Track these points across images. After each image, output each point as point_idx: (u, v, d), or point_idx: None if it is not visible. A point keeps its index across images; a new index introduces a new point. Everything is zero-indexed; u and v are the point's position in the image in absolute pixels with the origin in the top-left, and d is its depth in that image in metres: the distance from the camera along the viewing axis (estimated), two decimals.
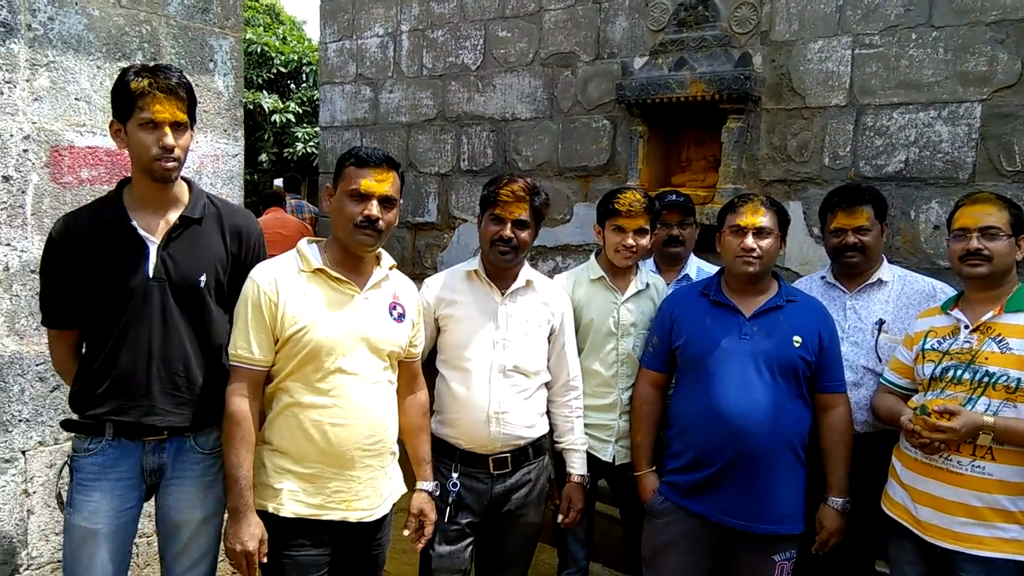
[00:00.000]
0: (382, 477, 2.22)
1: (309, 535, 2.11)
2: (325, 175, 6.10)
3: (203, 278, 2.10)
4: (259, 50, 10.99)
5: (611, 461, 2.77)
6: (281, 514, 2.08)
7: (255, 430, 2.09)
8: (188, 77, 2.08)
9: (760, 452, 2.36)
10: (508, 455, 2.49)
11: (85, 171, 2.78)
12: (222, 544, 2.21)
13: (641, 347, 2.74)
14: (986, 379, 2.19)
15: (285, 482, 2.10)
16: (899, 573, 2.40)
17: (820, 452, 2.50)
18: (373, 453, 2.16)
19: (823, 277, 2.86)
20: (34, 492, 2.73)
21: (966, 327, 2.30)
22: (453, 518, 2.46)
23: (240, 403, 2.06)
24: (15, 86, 2.61)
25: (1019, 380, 2.15)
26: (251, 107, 10.28)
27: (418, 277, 2.53)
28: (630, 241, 2.68)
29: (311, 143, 10.64)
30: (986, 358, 2.21)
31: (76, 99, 2.75)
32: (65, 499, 2.12)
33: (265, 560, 2.07)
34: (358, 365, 2.12)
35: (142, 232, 2.05)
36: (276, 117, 10.68)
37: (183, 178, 2.15)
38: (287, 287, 2.08)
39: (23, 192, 2.64)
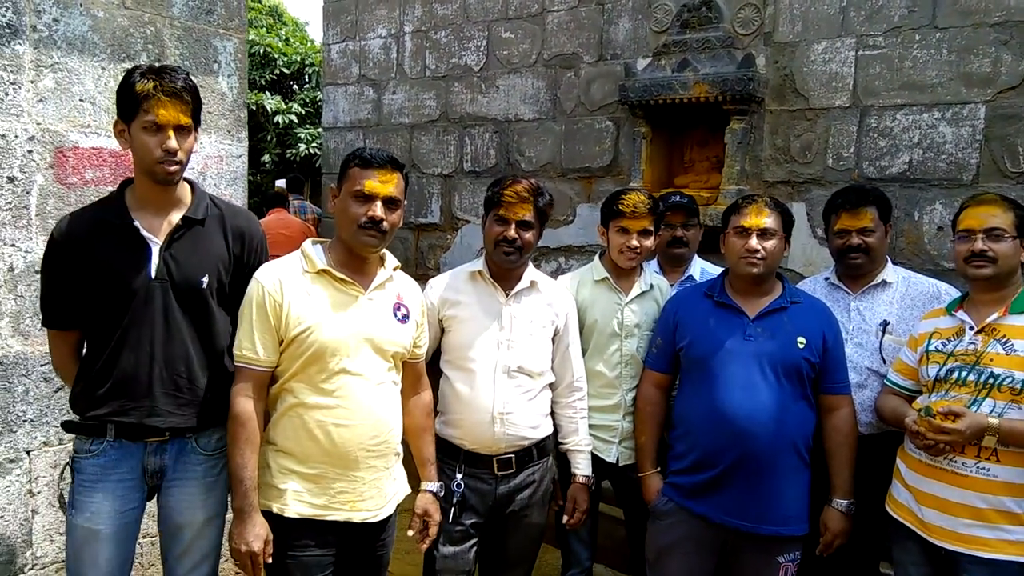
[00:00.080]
0: (386, 478, 2.22)
1: (313, 535, 2.11)
2: (328, 176, 6.11)
3: (205, 279, 2.10)
4: (262, 51, 10.99)
5: (615, 462, 2.77)
6: (285, 514, 2.08)
7: (260, 431, 2.09)
8: (192, 79, 2.08)
9: (764, 453, 2.35)
10: (512, 456, 2.49)
11: (89, 172, 2.79)
12: (224, 545, 2.21)
13: (645, 348, 2.74)
14: (991, 380, 2.19)
15: (289, 482, 2.10)
16: (903, 575, 2.40)
17: (824, 453, 2.50)
18: (377, 454, 2.16)
19: (827, 278, 2.86)
20: (38, 492, 2.74)
21: (971, 328, 2.29)
22: (457, 519, 2.46)
23: (245, 404, 2.06)
24: (20, 87, 2.61)
25: None
26: (254, 108, 10.29)
27: (421, 278, 2.53)
28: (634, 242, 2.68)
29: (314, 144, 10.65)
30: (991, 359, 2.21)
31: (80, 100, 2.76)
32: (67, 500, 2.12)
33: (270, 561, 2.07)
34: (362, 366, 2.12)
35: (144, 233, 2.05)
36: (279, 118, 10.68)
37: (186, 179, 2.15)
38: (292, 288, 2.08)
39: (28, 193, 2.65)
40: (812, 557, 2.52)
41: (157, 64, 2.08)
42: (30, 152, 2.64)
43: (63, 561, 2.20)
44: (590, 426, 2.69)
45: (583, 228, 4.63)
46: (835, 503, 2.48)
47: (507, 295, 2.50)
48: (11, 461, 2.67)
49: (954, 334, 2.33)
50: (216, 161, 3.13)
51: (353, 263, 2.16)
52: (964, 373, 2.24)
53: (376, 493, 2.18)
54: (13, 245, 2.62)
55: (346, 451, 2.10)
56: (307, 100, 11.18)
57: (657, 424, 2.66)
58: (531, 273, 2.56)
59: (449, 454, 2.50)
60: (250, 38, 10.39)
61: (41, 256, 2.14)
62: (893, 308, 2.69)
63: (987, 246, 2.25)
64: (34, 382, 2.70)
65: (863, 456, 2.51)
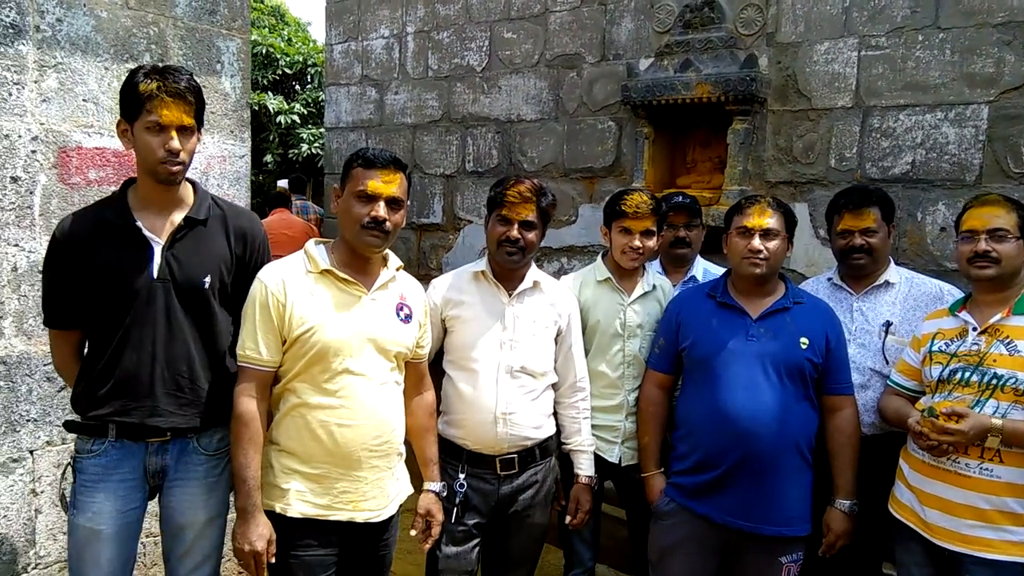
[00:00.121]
0: (389, 478, 2.22)
1: (316, 535, 2.12)
2: (330, 176, 6.11)
3: (207, 279, 2.10)
4: (264, 51, 11.01)
5: (617, 462, 2.77)
6: (288, 514, 2.09)
7: (263, 430, 2.09)
8: (196, 79, 2.08)
9: (767, 454, 2.35)
10: (515, 456, 2.49)
11: (93, 172, 2.79)
12: (227, 544, 2.21)
13: (647, 349, 2.74)
14: (994, 381, 2.19)
15: (292, 482, 2.10)
16: (906, 575, 2.40)
17: (827, 454, 2.50)
18: (380, 454, 2.16)
19: (830, 279, 2.86)
20: (42, 492, 2.74)
21: (974, 329, 2.29)
22: (460, 519, 2.46)
23: (248, 403, 2.06)
24: (23, 87, 2.62)
25: None
26: (256, 108, 10.30)
27: (423, 278, 2.53)
28: (637, 243, 2.68)
29: (316, 144, 10.66)
30: (994, 360, 2.21)
31: (84, 100, 2.76)
32: (68, 500, 2.12)
33: (273, 560, 2.07)
34: (365, 366, 2.12)
35: (147, 233, 2.05)
36: (281, 118, 10.70)
37: (188, 179, 2.15)
38: (295, 288, 2.08)
39: (31, 193, 2.65)
40: (815, 558, 2.52)
41: (161, 64, 2.08)
42: (34, 152, 2.65)
43: (66, 560, 2.20)
44: (592, 426, 2.69)
45: (585, 228, 4.63)
46: (838, 504, 2.48)
47: (510, 295, 2.51)
48: (14, 460, 2.67)
49: (957, 335, 2.32)
50: (219, 161, 3.14)
51: (356, 263, 2.16)
52: (967, 374, 2.24)
53: (379, 493, 2.18)
54: (17, 245, 2.63)
55: (349, 451, 2.10)
56: (309, 100, 11.19)
57: (660, 424, 2.66)
58: (534, 273, 2.56)
59: (452, 454, 2.50)
60: (252, 38, 10.39)
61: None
62: (896, 309, 2.69)
63: (990, 247, 2.25)
64: (37, 382, 2.70)
65: (866, 457, 2.51)
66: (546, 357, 2.55)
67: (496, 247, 2.47)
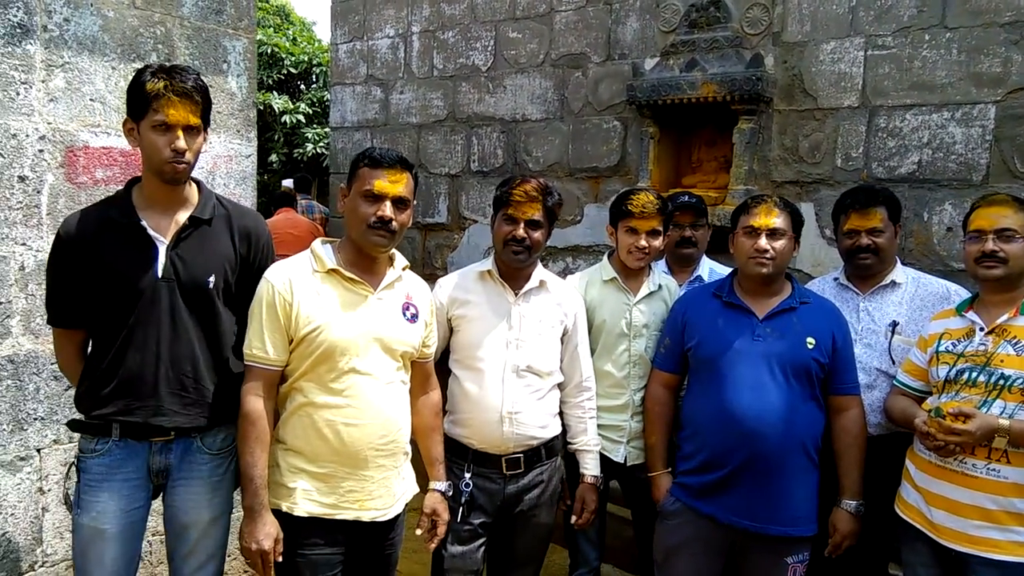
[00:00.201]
0: (395, 477, 2.22)
1: (323, 534, 2.12)
2: (335, 176, 6.12)
3: (212, 279, 2.10)
4: (269, 51, 11.02)
5: (623, 462, 2.76)
6: (295, 513, 2.09)
7: (270, 429, 2.10)
8: (203, 79, 2.08)
9: (773, 454, 2.35)
10: (521, 455, 2.49)
11: (100, 171, 2.80)
12: (232, 543, 2.22)
13: (653, 348, 2.74)
14: (1002, 382, 2.18)
15: (299, 481, 2.10)
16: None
17: (833, 454, 2.49)
18: (386, 453, 2.16)
19: (836, 279, 2.85)
20: (49, 490, 2.75)
21: (981, 329, 2.29)
22: (466, 518, 2.46)
23: (255, 402, 2.07)
24: (31, 87, 2.62)
25: None
26: (261, 108, 10.31)
27: (428, 278, 2.53)
28: (643, 242, 2.68)
29: (321, 144, 10.67)
30: (1002, 360, 2.20)
31: (91, 100, 2.77)
32: (72, 499, 2.12)
33: (280, 559, 2.08)
34: (372, 365, 2.12)
35: (151, 232, 2.05)
36: (286, 118, 10.71)
37: (192, 179, 2.15)
38: (301, 287, 2.09)
39: (39, 192, 2.66)
40: (821, 558, 2.52)
41: (168, 64, 2.09)
42: (41, 151, 2.66)
43: (73, 559, 2.21)
44: (598, 426, 2.69)
45: (590, 228, 4.63)
46: (844, 504, 2.47)
47: (516, 294, 2.51)
48: (22, 459, 2.68)
49: (964, 335, 2.32)
50: (225, 161, 3.15)
51: (362, 263, 2.17)
52: (974, 374, 2.24)
53: (385, 492, 2.19)
54: (24, 244, 2.64)
55: (355, 450, 2.10)
56: (314, 100, 11.21)
57: (666, 424, 2.66)
58: (540, 273, 2.56)
59: (458, 453, 2.50)
60: (257, 38, 10.40)
61: None
62: (902, 309, 2.69)
63: (998, 247, 2.24)
64: (44, 380, 2.71)
65: (872, 457, 2.51)
66: (552, 356, 2.55)
67: (502, 246, 2.47)
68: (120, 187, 2.18)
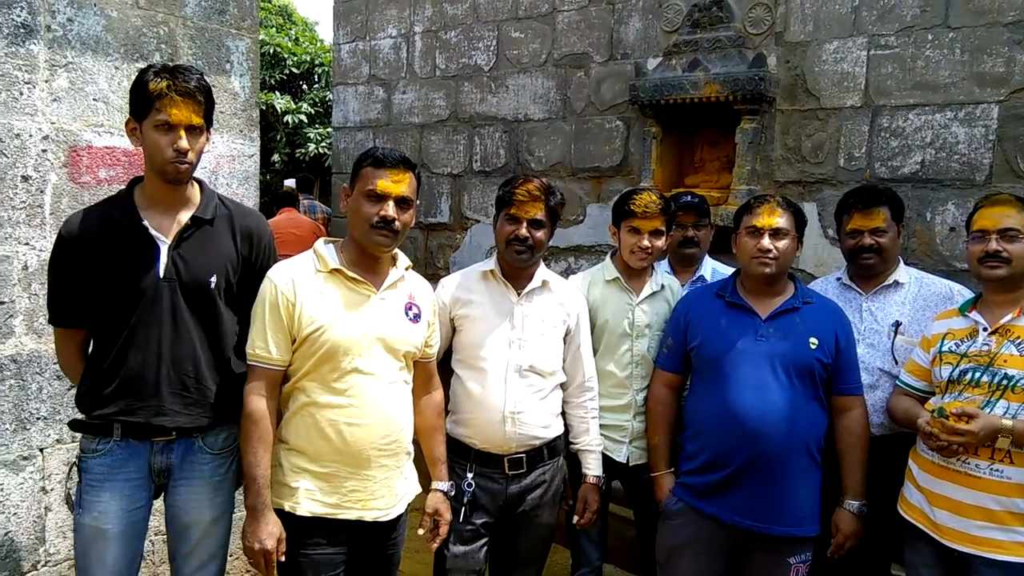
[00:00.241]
0: (397, 477, 2.22)
1: (325, 534, 2.12)
2: (338, 175, 6.12)
3: (214, 279, 2.10)
4: (272, 51, 11.03)
5: (625, 462, 2.76)
6: (297, 513, 2.09)
7: (272, 429, 2.10)
8: (206, 78, 2.08)
9: (776, 454, 2.35)
10: (523, 455, 2.49)
11: (103, 171, 2.81)
12: (233, 543, 2.21)
13: (656, 348, 2.74)
14: (1005, 382, 2.18)
15: (301, 481, 2.10)
16: None
17: (836, 454, 2.49)
18: (389, 453, 2.17)
19: (839, 279, 2.85)
20: (51, 489, 2.76)
21: (984, 329, 2.28)
22: (468, 518, 2.47)
23: (258, 402, 2.07)
24: (34, 86, 2.63)
25: None
26: (264, 108, 10.32)
27: (430, 278, 2.54)
28: (646, 242, 2.67)
29: (323, 144, 10.68)
30: (1005, 361, 2.20)
31: (94, 100, 2.77)
32: (74, 499, 2.12)
33: (283, 559, 2.08)
34: (374, 365, 2.12)
35: (153, 232, 2.05)
36: (288, 118, 10.72)
37: (194, 178, 2.15)
38: (304, 287, 2.09)
39: (42, 192, 2.66)
40: (823, 558, 2.52)
41: (171, 63, 2.09)
42: (44, 151, 2.66)
43: (75, 559, 2.21)
44: (600, 426, 2.69)
45: (592, 228, 4.62)
46: (847, 504, 2.47)
47: (519, 294, 2.51)
48: (24, 458, 2.69)
49: (967, 335, 2.32)
50: (228, 160, 3.15)
51: (365, 262, 2.17)
52: (978, 374, 2.23)
53: (387, 492, 2.19)
54: (27, 244, 2.64)
55: (358, 450, 2.10)
56: (317, 100, 11.22)
57: (669, 424, 2.66)
58: (543, 272, 2.56)
59: (460, 453, 2.50)
60: (260, 38, 10.41)
61: None
62: (905, 309, 2.68)
63: (1001, 246, 2.24)
64: (48, 380, 2.72)
65: (875, 457, 2.50)
66: (555, 356, 2.55)
67: (505, 246, 2.47)
68: (123, 187, 2.18)
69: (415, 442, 2.32)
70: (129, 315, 2.03)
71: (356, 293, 2.13)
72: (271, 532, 2.04)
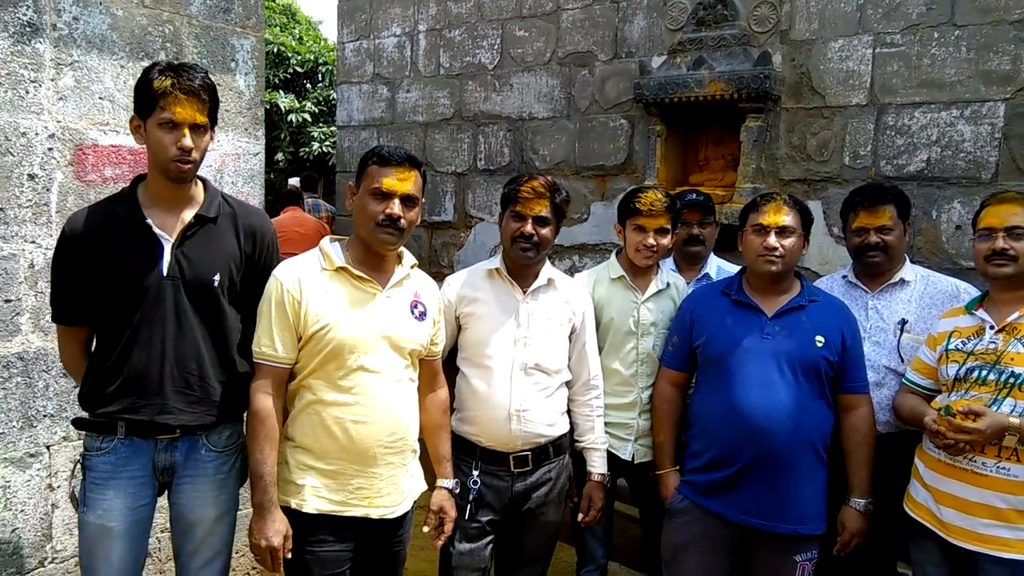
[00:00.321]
0: (403, 474, 2.23)
1: (331, 531, 2.12)
2: (342, 174, 6.13)
3: (217, 277, 2.10)
4: (276, 50, 11.05)
5: (630, 460, 2.76)
6: (304, 510, 2.09)
7: (279, 427, 2.10)
8: (211, 77, 2.08)
9: (782, 452, 2.34)
10: (528, 453, 2.49)
11: (109, 169, 2.81)
12: (238, 540, 2.22)
13: (661, 346, 2.74)
14: (1012, 380, 2.17)
15: (308, 478, 2.11)
16: (922, 574, 2.38)
17: (842, 453, 2.49)
18: (395, 451, 2.17)
19: (844, 277, 2.84)
20: (58, 486, 2.76)
21: (991, 327, 2.28)
22: (473, 516, 2.47)
23: (264, 400, 2.07)
24: (40, 85, 2.63)
25: None
26: (268, 106, 10.33)
27: (435, 276, 2.54)
28: (651, 240, 2.67)
29: (327, 142, 10.70)
30: (1012, 359, 2.19)
31: (100, 98, 2.78)
32: (78, 497, 2.12)
33: (289, 556, 2.08)
34: (380, 363, 2.12)
35: (157, 230, 2.05)
36: (292, 116, 10.74)
37: (199, 177, 2.15)
38: (310, 285, 2.09)
39: (48, 190, 2.67)
40: (829, 556, 2.51)
41: (176, 62, 2.09)
42: (50, 150, 2.67)
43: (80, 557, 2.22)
44: (606, 424, 2.69)
45: (597, 226, 4.62)
46: (853, 502, 2.46)
47: (524, 292, 2.51)
48: (31, 456, 2.69)
49: (974, 333, 2.31)
50: (233, 159, 3.15)
51: (371, 261, 2.17)
52: (984, 372, 2.23)
53: (393, 490, 2.19)
54: (34, 242, 2.65)
55: (364, 448, 2.11)
56: (321, 99, 11.23)
57: (674, 422, 2.66)
58: (548, 270, 2.56)
59: (465, 451, 2.50)
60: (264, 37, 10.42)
61: None
62: (911, 306, 2.68)
63: (1008, 244, 2.23)
64: (54, 377, 2.72)
65: (881, 455, 2.50)
66: (560, 354, 2.55)
67: (510, 243, 2.47)
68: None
69: (420, 440, 2.33)
70: (133, 313, 2.03)
71: (362, 291, 2.13)
72: (278, 529, 2.05)
